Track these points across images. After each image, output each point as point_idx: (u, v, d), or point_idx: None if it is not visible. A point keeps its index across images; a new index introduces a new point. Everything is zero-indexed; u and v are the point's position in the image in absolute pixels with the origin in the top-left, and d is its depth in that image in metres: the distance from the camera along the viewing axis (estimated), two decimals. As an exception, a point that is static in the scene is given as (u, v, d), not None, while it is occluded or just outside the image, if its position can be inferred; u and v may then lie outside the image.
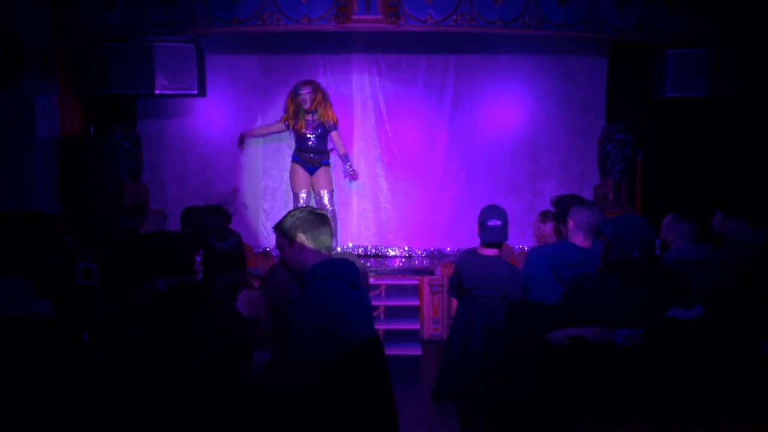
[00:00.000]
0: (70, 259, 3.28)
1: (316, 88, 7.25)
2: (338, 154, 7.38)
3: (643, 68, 7.45)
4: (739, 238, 2.69)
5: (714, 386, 2.52)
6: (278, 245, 2.87)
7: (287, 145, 7.89)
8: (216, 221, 4.33)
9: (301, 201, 7.26)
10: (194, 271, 2.53)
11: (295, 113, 7.26)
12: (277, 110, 7.82)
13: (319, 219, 2.83)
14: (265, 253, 7.65)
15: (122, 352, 2.27)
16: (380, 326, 6.35)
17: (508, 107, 7.87)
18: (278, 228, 2.85)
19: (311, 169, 7.29)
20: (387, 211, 7.96)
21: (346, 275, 2.77)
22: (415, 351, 6.33)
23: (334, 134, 7.30)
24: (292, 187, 7.39)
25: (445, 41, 7.52)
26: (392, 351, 5.59)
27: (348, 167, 7.37)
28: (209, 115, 7.82)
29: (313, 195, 7.36)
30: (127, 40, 6.80)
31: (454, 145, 7.94)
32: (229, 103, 7.84)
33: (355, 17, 6.65)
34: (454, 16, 6.65)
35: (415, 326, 6.62)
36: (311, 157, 7.27)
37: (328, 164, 7.37)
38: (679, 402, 2.55)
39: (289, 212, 2.88)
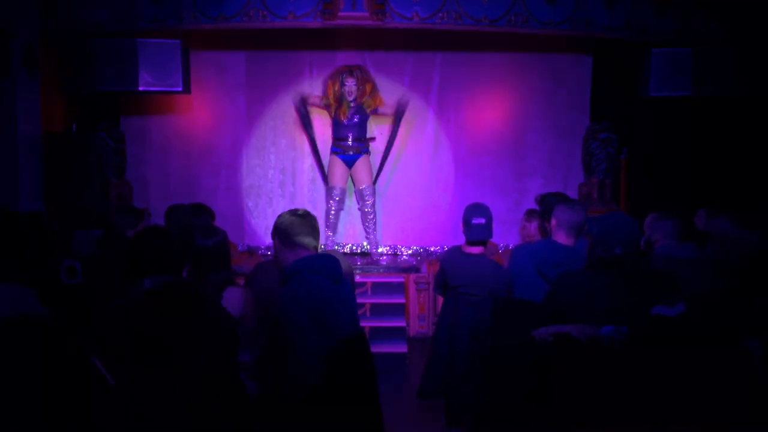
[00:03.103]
0: (58, 258, 3.27)
1: (363, 79, 7.21)
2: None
3: (628, 67, 7.50)
4: (727, 236, 2.72)
5: (702, 384, 2.54)
6: (274, 246, 2.98)
7: (271, 143, 7.87)
8: (203, 219, 4.31)
9: (336, 197, 7.27)
10: (182, 269, 2.51)
11: (336, 100, 7.22)
12: (262, 107, 7.80)
13: (304, 220, 2.90)
14: (250, 251, 7.62)
15: (121, 352, 2.26)
16: (366, 323, 6.34)
17: (494, 105, 7.89)
18: (273, 230, 2.96)
19: (350, 159, 7.28)
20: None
21: (327, 270, 2.82)
22: (401, 348, 6.34)
23: (381, 109, 7.32)
24: (327, 182, 7.41)
25: (431, 39, 7.52)
26: (378, 348, 5.60)
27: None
28: (194, 112, 7.77)
29: (353, 189, 7.40)
30: (114, 37, 6.74)
31: (440, 142, 7.95)
32: (215, 100, 7.79)
33: (341, 14, 6.64)
34: (440, 14, 6.65)
35: (401, 323, 6.63)
36: (349, 144, 7.24)
37: (368, 152, 7.37)
38: (667, 399, 2.57)
39: (279, 216, 2.96)
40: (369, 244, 7.49)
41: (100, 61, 6.67)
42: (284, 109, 7.82)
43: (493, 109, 7.90)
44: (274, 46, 7.63)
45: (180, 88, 6.89)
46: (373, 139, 7.46)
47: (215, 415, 2.30)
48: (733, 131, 7.24)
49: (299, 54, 7.72)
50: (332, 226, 7.40)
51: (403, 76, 7.84)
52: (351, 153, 7.29)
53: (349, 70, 7.32)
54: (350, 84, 7.19)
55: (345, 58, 7.76)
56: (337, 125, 7.29)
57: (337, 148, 7.31)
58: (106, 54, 6.68)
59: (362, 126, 7.31)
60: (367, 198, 7.35)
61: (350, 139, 7.26)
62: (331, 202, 7.33)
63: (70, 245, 4.33)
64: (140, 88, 6.75)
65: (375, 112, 7.34)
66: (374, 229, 7.46)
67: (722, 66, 7.01)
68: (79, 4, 6.59)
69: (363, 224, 7.53)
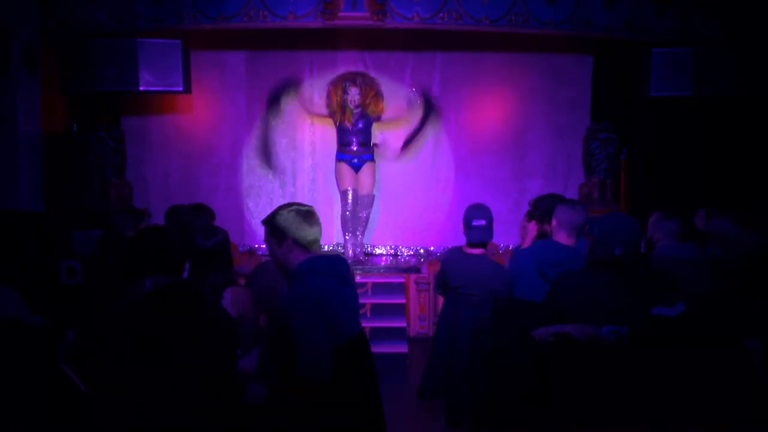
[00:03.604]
0: (58, 258, 3.27)
1: (366, 87, 7.22)
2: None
3: (628, 67, 7.50)
4: (726, 236, 2.72)
5: (702, 384, 2.54)
6: (266, 242, 2.85)
7: (271, 143, 7.87)
8: (203, 219, 4.31)
9: (349, 199, 7.23)
10: (182, 270, 2.51)
11: (340, 108, 7.22)
12: (263, 107, 7.78)
13: (306, 217, 2.81)
14: (251, 252, 7.62)
15: (121, 352, 2.26)
16: (366, 324, 6.33)
17: (494, 105, 7.89)
18: (267, 225, 2.83)
19: (356, 165, 7.27)
20: (374, 209, 7.95)
21: (336, 271, 2.78)
22: (402, 348, 6.34)
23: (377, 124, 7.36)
24: (338, 186, 7.38)
25: (431, 39, 7.52)
26: (379, 348, 5.59)
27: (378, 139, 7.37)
28: (194, 112, 7.77)
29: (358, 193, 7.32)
30: (114, 37, 6.75)
31: (440, 142, 7.95)
32: (215, 100, 7.79)
33: (341, 14, 6.64)
34: (441, 14, 6.65)
35: (402, 324, 6.63)
36: (354, 150, 7.25)
37: (372, 160, 7.36)
38: (667, 399, 2.57)
39: (278, 209, 2.85)
40: (349, 249, 7.37)
41: (100, 61, 6.67)
42: (284, 109, 7.82)
43: (493, 109, 7.89)
44: (274, 46, 7.63)
45: (180, 88, 6.89)
46: (377, 145, 7.45)
47: (215, 415, 2.30)
48: (733, 131, 7.24)
49: (300, 54, 7.72)
50: (351, 229, 7.34)
51: (404, 76, 7.83)
52: (356, 159, 7.29)
53: (352, 78, 7.30)
54: (353, 93, 7.18)
55: (345, 58, 7.76)
56: (341, 131, 7.27)
57: (343, 154, 7.28)
58: (107, 54, 6.68)
59: (367, 131, 7.30)
60: (366, 206, 7.31)
61: (355, 144, 7.26)
62: (347, 205, 7.27)
63: (70, 245, 4.34)
64: (141, 88, 6.75)
65: (379, 119, 7.35)
66: (363, 234, 7.41)
67: (722, 66, 7.01)
68: (79, 4, 6.59)
69: (345, 226, 7.41)
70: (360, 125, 7.25)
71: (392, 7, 6.62)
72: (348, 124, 7.20)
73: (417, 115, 7.68)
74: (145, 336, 2.27)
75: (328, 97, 7.33)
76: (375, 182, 7.43)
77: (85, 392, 2.19)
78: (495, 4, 6.65)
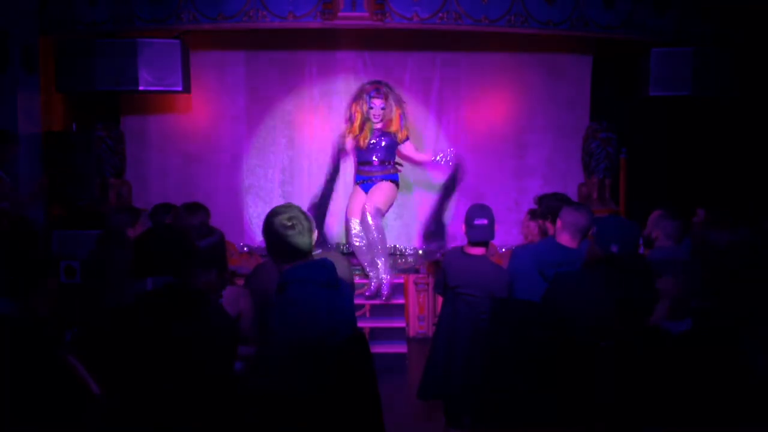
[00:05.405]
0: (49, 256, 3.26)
1: (390, 98, 6.40)
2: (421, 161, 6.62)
3: (628, 67, 7.51)
4: (708, 237, 2.73)
5: (701, 384, 2.54)
6: None
7: (271, 142, 7.86)
8: (198, 218, 4.29)
9: (352, 230, 6.48)
10: (183, 270, 2.51)
11: (361, 125, 6.46)
12: (262, 107, 7.78)
13: (287, 229, 2.71)
14: (250, 252, 7.61)
15: (121, 352, 2.26)
16: (366, 324, 6.35)
17: (493, 105, 7.89)
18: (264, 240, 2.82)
19: (369, 187, 6.48)
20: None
21: (318, 277, 2.73)
22: (401, 348, 6.34)
23: (406, 146, 6.56)
24: (345, 212, 6.74)
25: (431, 39, 7.52)
26: (378, 348, 5.60)
27: (447, 154, 6.45)
28: (194, 111, 7.77)
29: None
30: (112, 36, 6.76)
31: (440, 142, 7.94)
32: (214, 99, 7.78)
33: (341, 14, 6.64)
34: (440, 14, 6.65)
35: (401, 324, 6.63)
36: (373, 169, 6.45)
37: (394, 181, 6.54)
38: (666, 399, 2.57)
39: (268, 214, 2.79)
40: (372, 282, 6.51)
41: (99, 60, 6.67)
42: (284, 109, 7.82)
43: (493, 108, 7.89)
44: (274, 46, 7.63)
45: (180, 88, 6.89)
46: (401, 164, 6.66)
47: (215, 415, 2.30)
48: (733, 131, 7.24)
49: (299, 54, 7.72)
50: (368, 258, 6.52)
51: (403, 76, 7.81)
52: (374, 179, 6.48)
53: (376, 88, 6.49)
54: (377, 106, 6.39)
55: (345, 58, 7.75)
56: (359, 150, 6.48)
57: (360, 176, 6.52)
58: (106, 53, 6.69)
59: (391, 149, 6.48)
60: (370, 222, 6.29)
61: (376, 163, 6.45)
62: (350, 235, 6.57)
63: (66, 247, 4.33)
64: (140, 88, 6.76)
65: (405, 140, 6.56)
66: (375, 263, 6.45)
67: (722, 66, 7.01)
68: (78, 4, 6.60)
69: (361, 257, 6.55)
70: (383, 141, 6.44)
71: (391, 7, 6.62)
72: (369, 139, 6.40)
73: None
74: (147, 335, 2.27)
75: (352, 115, 6.52)
76: (387, 198, 6.50)
77: (94, 389, 2.20)
78: (494, 4, 6.65)
